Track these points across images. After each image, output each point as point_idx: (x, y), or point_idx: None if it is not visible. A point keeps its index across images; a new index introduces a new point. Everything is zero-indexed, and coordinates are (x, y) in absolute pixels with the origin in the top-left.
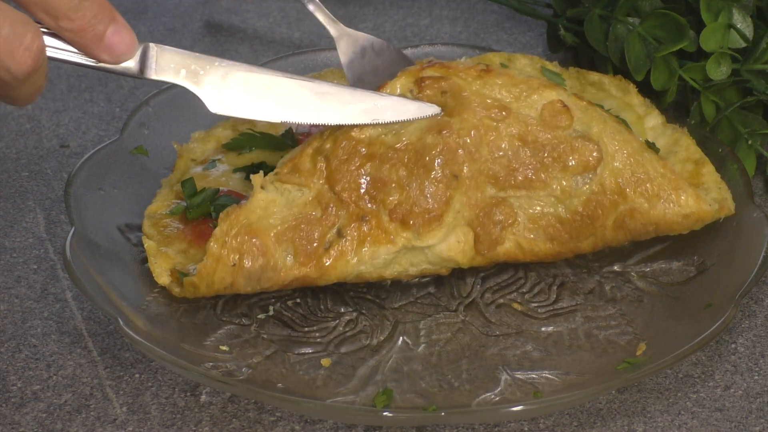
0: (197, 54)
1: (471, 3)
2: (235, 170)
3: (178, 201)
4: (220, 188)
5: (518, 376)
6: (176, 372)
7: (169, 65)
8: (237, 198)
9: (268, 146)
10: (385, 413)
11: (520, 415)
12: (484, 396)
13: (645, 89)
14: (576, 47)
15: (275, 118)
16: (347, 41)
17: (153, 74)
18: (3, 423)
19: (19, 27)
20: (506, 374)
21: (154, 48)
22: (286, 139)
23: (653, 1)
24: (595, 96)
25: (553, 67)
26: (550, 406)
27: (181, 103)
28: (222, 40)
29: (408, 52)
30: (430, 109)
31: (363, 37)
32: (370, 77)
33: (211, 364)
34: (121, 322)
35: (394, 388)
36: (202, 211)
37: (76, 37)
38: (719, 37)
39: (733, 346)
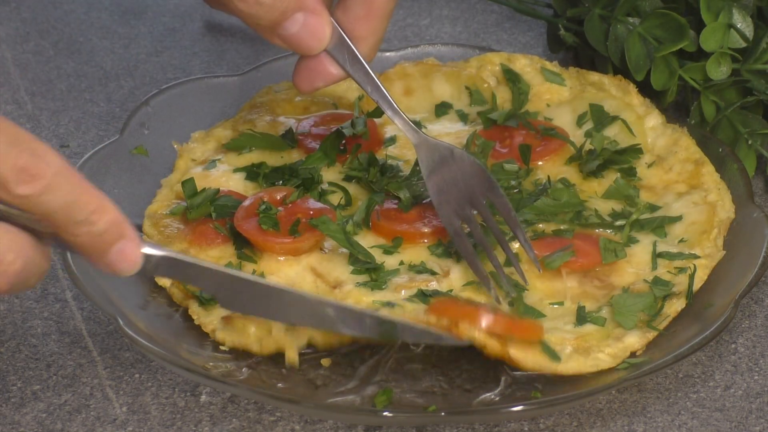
0: (201, 264)
1: (471, 3)
2: (236, 170)
3: (179, 201)
4: (221, 188)
5: (518, 376)
6: (176, 372)
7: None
8: (237, 198)
9: (268, 146)
10: (385, 413)
11: (520, 415)
12: (484, 396)
13: (645, 89)
14: (576, 47)
15: (292, 322)
16: (427, 150)
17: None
18: (3, 423)
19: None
20: (506, 374)
21: (158, 259)
22: (286, 140)
23: (653, 1)
24: (596, 96)
25: (553, 67)
26: (550, 406)
27: (181, 103)
28: (222, 40)
29: (408, 51)
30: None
31: (443, 147)
32: (449, 188)
33: (211, 364)
34: (121, 322)
35: (394, 388)
36: (203, 211)
37: (76, 247)
38: (719, 37)
39: (733, 346)
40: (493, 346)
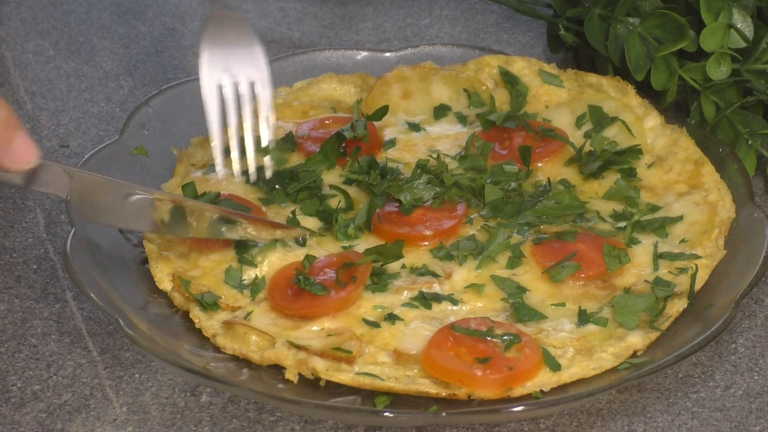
0: (86, 174)
1: (471, 3)
2: None
3: None
4: (221, 192)
5: None
6: (177, 372)
7: (54, 182)
8: (238, 202)
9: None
10: (385, 413)
11: (520, 415)
12: (483, 396)
13: (645, 89)
14: (576, 47)
15: (138, 228)
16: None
17: (35, 186)
18: (3, 423)
19: None
20: None
21: (44, 165)
22: (286, 143)
23: (653, 1)
24: (594, 97)
25: (551, 69)
26: (550, 406)
27: (181, 103)
28: None
29: (408, 52)
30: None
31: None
32: (223, 50)
33: (212, 364)
34: (122, 323)
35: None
36: None
37: None
38: (719, 37)
39: (733, 346)
40: (489, 396)
